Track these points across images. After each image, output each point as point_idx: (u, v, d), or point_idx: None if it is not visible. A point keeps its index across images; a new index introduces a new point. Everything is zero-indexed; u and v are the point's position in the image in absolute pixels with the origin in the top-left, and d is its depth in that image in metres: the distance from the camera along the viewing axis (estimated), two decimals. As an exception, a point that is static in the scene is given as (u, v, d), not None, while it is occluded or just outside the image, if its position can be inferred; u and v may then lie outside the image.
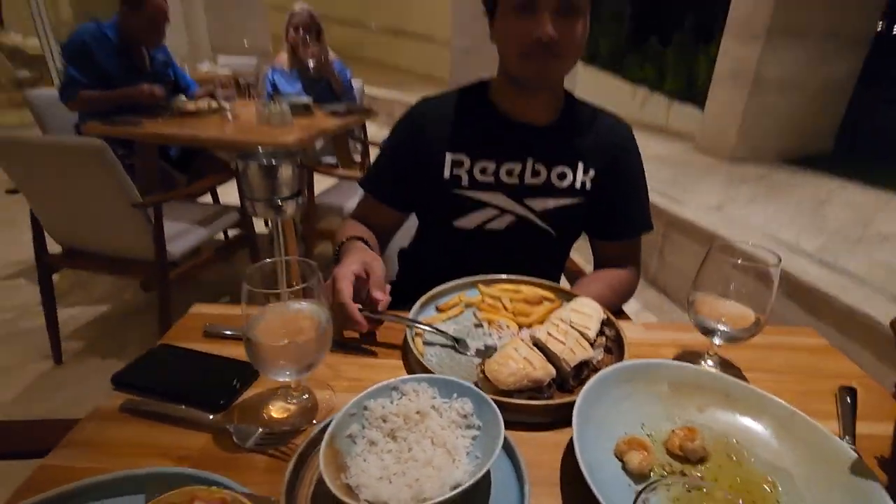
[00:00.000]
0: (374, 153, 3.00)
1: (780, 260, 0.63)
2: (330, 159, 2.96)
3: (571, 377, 0.63)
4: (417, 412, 0.52)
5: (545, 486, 0.51)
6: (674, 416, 0.60)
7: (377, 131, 3.38)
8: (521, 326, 0.75)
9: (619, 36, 7.68)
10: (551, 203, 0.99)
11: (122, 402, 0.59)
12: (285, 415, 0.59)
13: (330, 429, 0.49)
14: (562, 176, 0.98)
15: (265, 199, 1.45)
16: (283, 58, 2.94)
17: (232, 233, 2.38)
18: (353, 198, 2.32)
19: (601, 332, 0.70)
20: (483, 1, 0.91)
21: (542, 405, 0.59)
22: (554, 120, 0.98)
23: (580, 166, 0.98)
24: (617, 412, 0.58)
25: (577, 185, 0.98)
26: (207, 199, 2.60)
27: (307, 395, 0.61)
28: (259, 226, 2.68)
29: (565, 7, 0.82)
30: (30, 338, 2.03)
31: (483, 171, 0.96)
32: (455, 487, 0.44)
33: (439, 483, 0.45)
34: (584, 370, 0.65)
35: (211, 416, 0.57)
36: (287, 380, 0.57)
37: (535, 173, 0.97)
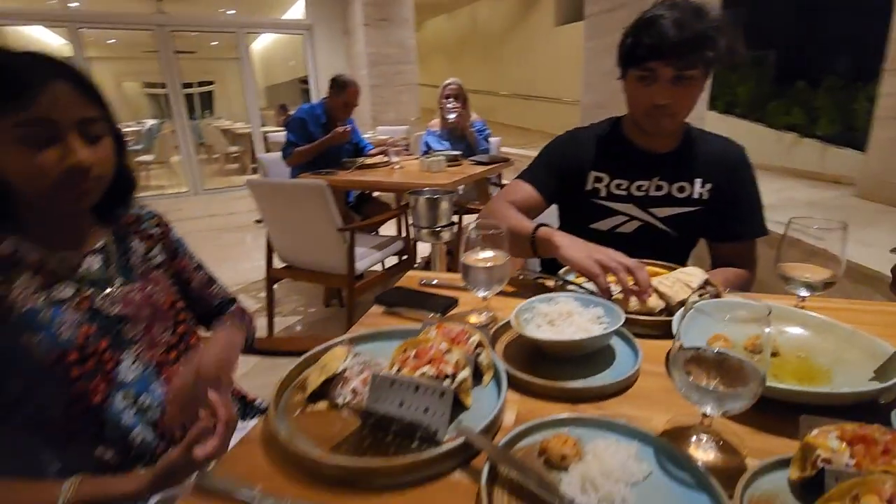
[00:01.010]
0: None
1: (847, 225, 0.82)
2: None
3: (676, 311, 0.88)
4: (567, 311, 0.83)
5: (654, 362, 0.77)
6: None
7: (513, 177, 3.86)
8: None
9: (762, 82, 7.37)
10: (672, 211, 1.24)
11: (384, 310, 0.99)
12: (478, 322, 0.93)
13: (513, 313, 0.82)
14: (681, 189, 1.23)
15: (428, 226, 1.88)
16: (436, 122, 3.58)
17: (390, 262, 2.92)
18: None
19: (703, 289, 0.94)
20: (619, 67, 1.17)
21: (651, 320, 0.85)
22: (675, 148, 1.23)
23: (697, 182, 1.23)
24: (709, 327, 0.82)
25: (695, 195, 1.23)
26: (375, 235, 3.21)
27: (490, 313, 0.95)
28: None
29: (679, 78, 1.05)
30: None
31: (618, 187, 1.25)
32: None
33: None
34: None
35: (433, 315, 0.94)
36: (482, 294, 0.91)
37: (659, 188, 1.24)
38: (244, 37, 6.87)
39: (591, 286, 0.98)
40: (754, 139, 7.06)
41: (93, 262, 0.84)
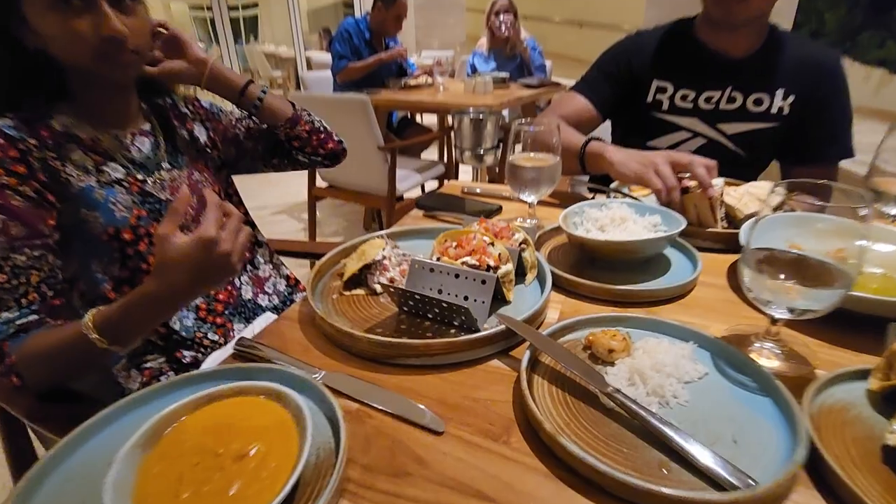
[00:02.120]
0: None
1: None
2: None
3: (741, 223, 0.80)
4: (620, 217, 0.76)
5: (714, 275, 0.71)
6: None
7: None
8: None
9: (855, 9, 6.52)
10: (744, 127, 1.11)
11: (424, 213, 0.95)
12: (515, 224, 0.88)
13: (561, 215, 0.76)
14: (758, 102, 1.09)
15: (472, 148, 1.79)
16: (483, 42, 3.36)
17: (431, 186, 2.87)
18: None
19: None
20: None
21: (713, 232, 0.78)
22: (755, 51, 1.07)
23: (779, 93, 1.07)
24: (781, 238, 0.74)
25: (773, 110, 1.08)
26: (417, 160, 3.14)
27: (537, 220, 0.89)
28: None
29: None
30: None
31: (684, 98, 1.12)
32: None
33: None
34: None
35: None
36: (529, 199, 0.85)
37: (731, 100, 1.09)
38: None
39: (650, 200, 0.90)
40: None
41: (142, 144, 0.83)
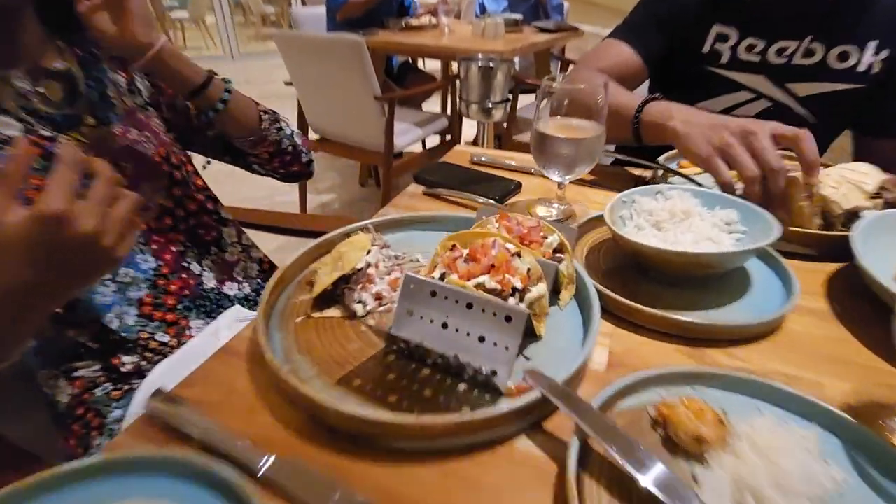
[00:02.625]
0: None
1: None
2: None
3: (841, 222, 0.62)
4: (683, 210, 0.58)
5: (811, 296, 0.53)
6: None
7: (577, 55, 3.32)
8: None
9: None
10: (820, 87, 0.89)
11: (424, 189, 0.76)
12: (549, 213, 0.70)
13: (607, 207, 0.57)
14: (843, 56, 0.86)
15: (479, 101, 1.56)
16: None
17: (432, 142, 2.63)
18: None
19: (880, 195, 0.66)
20: None
21: (804, 233, 0.59)
22: None
23: (871, 46, 0.85)
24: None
25: (862, 67, 0.86)
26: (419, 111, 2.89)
27: (567, 206, 0.71)
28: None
29: None
30: (283, 210, 2.58)
31: (749, 49, 0.89)
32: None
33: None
34: (856, 219, 0.62)
35: (486, 201, 0.71)
36: (558, 179, 0.66)
37: (809, 53, 0.87)
38: None
39: (707, 179, 0.71)
40: None
41: (51, 90, 0.63)
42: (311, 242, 0.56)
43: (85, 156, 0.41)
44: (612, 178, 0.82)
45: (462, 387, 0.40)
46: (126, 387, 0.67)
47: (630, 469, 0.31)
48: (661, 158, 0.81)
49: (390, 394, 0.40)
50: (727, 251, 0.51)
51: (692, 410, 0.35)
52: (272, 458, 0.34)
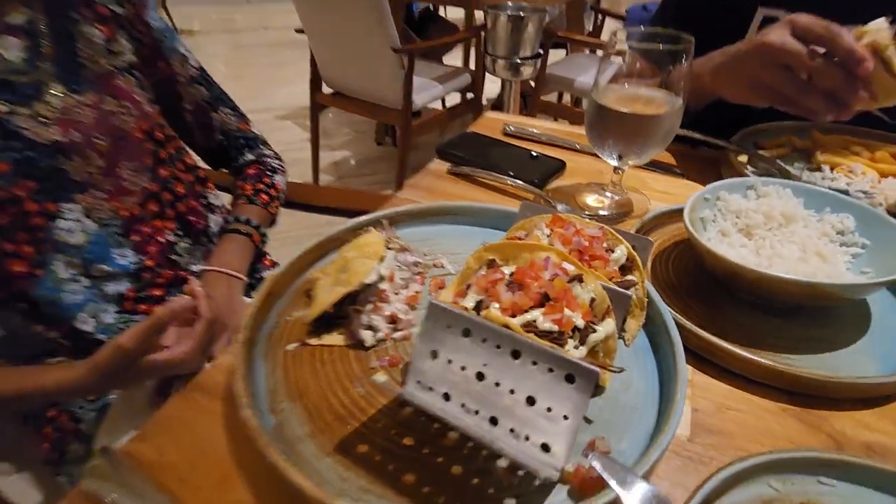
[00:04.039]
0: (608, 25, 2.69)
1: None
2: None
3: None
4: (783, 215, 0.45)
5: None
6: None
7: (613, 5, 3.04)
8: (884, 175, 0.60)
9: None
10: None
11: (449, 167, 0.64)
12: (600, 204, 0.57)
13: (687, 204, 0.45)
14: None
15: (507, 56, 1.39)
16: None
17: (452, 100, 2.46)
18: (582, 74, 2.15)
19: None
20: None
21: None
22: None
23: None
24: None
25: None
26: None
27: (622, 195, 0.58)
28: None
29: None
30: (295, 167, 2.46)
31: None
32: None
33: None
34: None
35: (524, 185, 0.58)
36: (613, 163, 0.54)
37: None
38: None
39: (795, 166, 0.58)
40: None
41: (7, 48, 0.51)
42: (322, 219, 0.45)
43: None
44: (677, 158, 0.69)
45: (502, 462, 0.30)
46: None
47: None
48: (735, 138, 0.66)
49: (406, 471, 0.30)
50: (855, 283, 0.39)
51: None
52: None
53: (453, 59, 2.75)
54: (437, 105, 2.37)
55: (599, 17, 2.62)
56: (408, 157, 1.96)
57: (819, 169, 0.63)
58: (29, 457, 0.61)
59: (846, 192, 0.55)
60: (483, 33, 2.01)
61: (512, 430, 0.29)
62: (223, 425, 0.33)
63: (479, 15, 2.58)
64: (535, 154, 0.66)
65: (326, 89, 2.13)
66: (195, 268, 0.66)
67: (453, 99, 2.34)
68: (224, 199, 0.75)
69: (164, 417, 0.34)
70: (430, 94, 2.02)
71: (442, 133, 2.48)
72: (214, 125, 0.72)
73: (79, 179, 0.55)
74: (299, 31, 1.99)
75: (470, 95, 2.28)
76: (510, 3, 1.30)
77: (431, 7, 2.85)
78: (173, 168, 0.64)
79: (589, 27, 2.68)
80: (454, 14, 3.27)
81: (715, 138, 0.66)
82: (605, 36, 2.69)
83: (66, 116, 0.54)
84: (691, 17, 0.78)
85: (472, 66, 2.52)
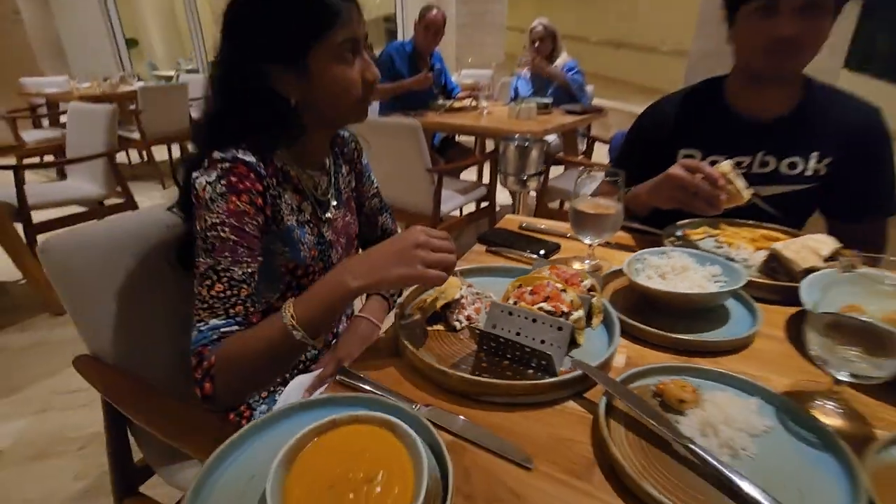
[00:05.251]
0: (597, 148, 3.21)
1: None
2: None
3: (799, 279, 0.83)
4: (681, 266, 0.81)
5: (773, 327, 0.75)
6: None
7: (601, 131, 3.67)
8: (757, 249, 0.96)
9: (908, 36, 6.32)
10: (778, 189, 1.07)
11: (486, 248, 1.02)
12: (582, 267, 0.94)
13: (625, 262, 0.81)
14: (792, 166, 1.05)
15: (516, 174, 1.85)
16: (526, 63, 3.44)
17: (468, 209, 2.94)
18: (582, 191, 2.63)
19: (834, 259, 0.87)
20: (724, 5, 1.01)
21: (773, 284, 0.81)
22: (790, 111, 1.03)
23: (813, 156, 1.04)
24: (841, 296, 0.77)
25: (808, 172, 1.04)
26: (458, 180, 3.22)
27: (594, 261, 0.95)
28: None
29: (807, 6, 0.89)
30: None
31: (713, 164, 1.04)
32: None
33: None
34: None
35: (535, 257, 0.95)
36: (588, 241, 0.91)
37: (763, 164, 1.06)
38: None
39: (707, 244, 0.95)
40: (893, 102, 6.17)
41: (323, 182, 0.90)
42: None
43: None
44: (630, 241, 1.06)
45: (529, 371, 0.63)
46: (272, 389, 0.90)
47: (639, 412, 0.53)
48: (666, 230, 1.04)
49: (484, 373, 0.63)
50: (711, 292, 0.73)
51: (678, 386, 0.57)
52: (419, 406, 0.57)
53: (468, 174, 3.30)
54: (456, 212, 2.84)
55: (589, 140, 3.18)
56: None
57: (720, 245, 0.99)
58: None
59: (732, 259, 0.91)
60: (497, 156, 2.53)
61: (534, 345, 0.62)
62: (390, 360, 0.66)
63: (489, 142, 3.15)
64: (541, 239, 1.04)
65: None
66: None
67: (469, 207, 2.82)
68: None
69: (361, 360, 0.67)
70: (453, 202, 2.49)
71: (460, 234, 2.92)
72: (379, 224, 1.11)
73: (333, 262, 0.91)
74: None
75: (484, 204, 2.77)
76: (517, 136, 1.74)
77: (449, 135, 3.47)
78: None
79: (582, 148, 3.24)
80: (466, 139, 3.93)
81: (653, 228, 1.04)
82: (595, 156, 3.25)
83: (334, 224, 0.91)
84: (639, 159, 1.21)
85: (485, 180, 3.04)
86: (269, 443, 0.50)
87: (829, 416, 0.56)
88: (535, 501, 0.46)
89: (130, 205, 2.83)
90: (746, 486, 0.45)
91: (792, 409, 0.55)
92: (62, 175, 3.50)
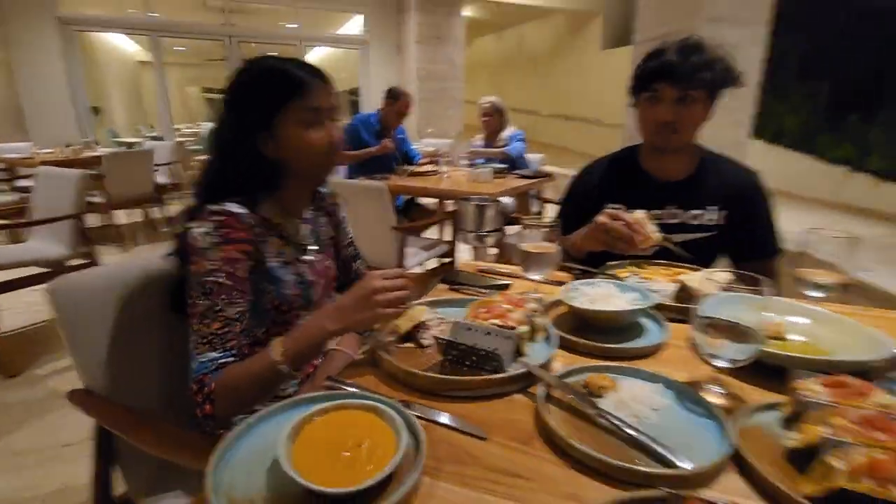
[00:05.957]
0: (548, 208, 3.50)
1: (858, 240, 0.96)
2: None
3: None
4: (607, 293, 0.99)
5: (679, 339, 0.92)
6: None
7: (553, 194, 4.03)
8: (672, 282, 1.16)
9: (814, 114, 7.30)
10: (687, 236, 1.30)
11: (448, 287, 1.18)
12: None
13: (561, 290, 0.99)
14: (695, 217, 1.31)
15: (474, 231, 2.04)
16: (480, 136, 3.80)
17: (429, 264, 3.12)
18: (529, 240, 2.88)
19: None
20: (629, 93, 1.32)
21: (679, 306, 1.00)
22: (689, 174, 1.32)
23: (711, 209, 1.30)
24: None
25: (708, 222, 1.31)
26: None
27: (540, 294, 1.12)
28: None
29: (681, 98, 1.19)
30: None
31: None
32: (628, 313, 0.91)
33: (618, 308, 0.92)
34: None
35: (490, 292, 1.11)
36: (535, 277, 1.08)
37: (674, 216, 1.32)
38: (302, 49, 7.32)
39: (631, 281, 1.14)
40: (802, 171, 6.99)
41: (304, 229, 1.05)
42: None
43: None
44: (570, 279, 1.25)
45: (484, 373, 0.77)
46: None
47: (569, 395, 0.68)
48: (599, 268, 1.24)
49: (449, 374, 0.76)
50: (625, 309, 0.91)
51: (600, 378, 0.73)
52: (396, 400, 0.70)
53: (430, 233, 3.50)
54: (418, 269, 3.00)
55: (542, 202, 3.48)
56: (402, 305, 2.50)
57: (642, 281, 1.19)
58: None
59: (651, 289, 1.10)
60: (456, 216, 2.75)
61: (487, 349, 0.77)
62: (368, 370, 0.79)
63: (447, 203, 3.39)
64: (495, 278, 1.21)
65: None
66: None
67: (431, 263, 3.00)
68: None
69: (347, 371, 0.80)
70: (417, 258, 2.67)
71: (425, 287, 3.07)
72: (353, 269, 1.25)
73: (314, 301, 1.03)
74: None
75: (447, 259, 2.95)
76: (475, 197, 1.92)
77: (412, 197, 3.71)
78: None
79: (537, 210, 3.53)
80: (427, 200, 4.16)
81: (589, 268, 1.23)
82: (548, 216, 3.55)
83: (314, 266, 1.04)
84: (574, 216, 1.43)
85: (446, 237, 3.24)
86: (277, 427, 0.62)
87: (712, 396, 0.73)
88: (488, 461, 0.60)
89: (94, 265, 2.84)
90: (646, 440, 0.60)
91: (685, 390, 0.72)
92: (16, 238, 3.48)
